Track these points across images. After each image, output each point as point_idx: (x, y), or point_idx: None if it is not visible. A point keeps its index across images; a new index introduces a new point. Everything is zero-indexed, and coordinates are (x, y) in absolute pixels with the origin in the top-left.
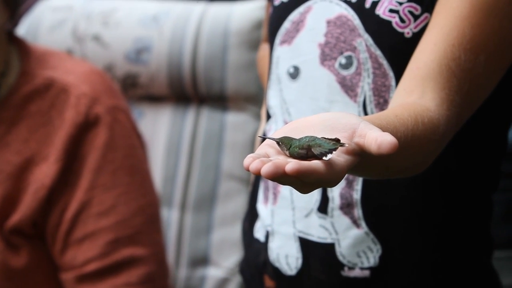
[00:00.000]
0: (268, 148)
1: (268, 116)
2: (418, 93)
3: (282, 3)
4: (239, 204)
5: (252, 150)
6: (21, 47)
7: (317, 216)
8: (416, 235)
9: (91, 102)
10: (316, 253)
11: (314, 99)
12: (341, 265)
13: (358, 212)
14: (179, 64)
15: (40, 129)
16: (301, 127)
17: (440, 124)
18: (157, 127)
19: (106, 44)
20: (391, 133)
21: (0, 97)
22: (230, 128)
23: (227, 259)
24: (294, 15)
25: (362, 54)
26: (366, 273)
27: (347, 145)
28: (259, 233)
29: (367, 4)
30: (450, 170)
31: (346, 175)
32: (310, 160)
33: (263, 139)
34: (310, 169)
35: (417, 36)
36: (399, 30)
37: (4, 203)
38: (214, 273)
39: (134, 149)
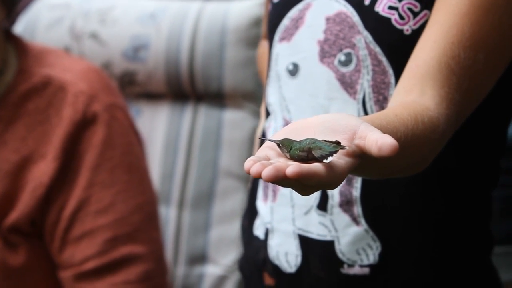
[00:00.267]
0: (268, 150)
1: (267, 113)
2: (417, 92)
3: (281, 0)
4: (237, 201)
5: (250, 148)
6: (18, 45)
7: (316, 213)
8: (416, 232)
9: (88, 100)
10: (315, 250)
11: (314, 96)
12: (340, 263)
13: (357, 209)
14: (176, 62)
15: (37, 127)
16: (301, 129)
17: (440, 123)
18: (155, 124)
19: (103, 41)
20: (391, 133)
21: None
22: (228, 125)
23: (225, 257)
24: (293, 12)
25: (362, 51)
26: (366, 270)
27: (347, 147)
28: (258, 231)
29: (367, 1)
30: (450, 167)
31: None
32: (310, 163)
33: (262, 140)
34: (310, 172)
35: (417, 33)
36: (399, 27)
37: (2, 201)
38: (212, 270)
39: (132, 146)
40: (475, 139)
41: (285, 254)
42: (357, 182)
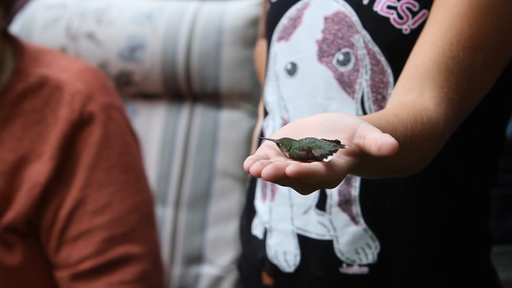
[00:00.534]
0: (268, 149)
1: (266, 113)
2: (416, 92)
3: None
4: (233, 201)
5: (246, 148)
6: (15, 45)
7: (315, 213)
8: (415, 232)
9: (85, 99)
10: (314, 250)
11: (312, 95)
12: (339, 262)
13: (356, 208)
14: (173, 62)
15: (34, 127)
16: (301, 128)
17: (439, 123)
18: (151, 124)
19: (100, 42)
20: (390, 133)
21: None
22: (224, 125)
23: (221, 257)
24: (291, 12)
25: (360, 50)
26: (365, 270)
27: (347, 146)
28: (257, 230)
29: (365, 1)
30: (449, 166)
31: None
32: (310, 162)
33: (261, 140)
34: (310, 171)
35: (415, 32)
36: (397, 26)
37: None
38: (208, 271)
39: (129, 146)
40: (474, 139)
41: (284, 253)
42: (356, 182)
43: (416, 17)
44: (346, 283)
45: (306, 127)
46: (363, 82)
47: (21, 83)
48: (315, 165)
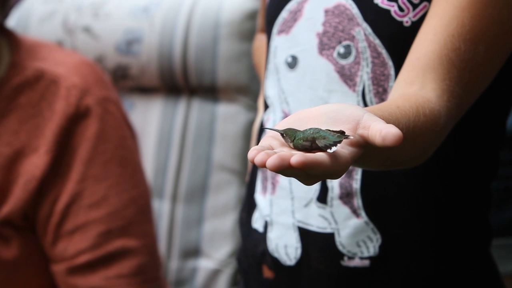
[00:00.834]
0: (272, 140)
1: (266, 106)
2: (418, 84)
3: None
4: (231, 195)
5: (243, 142)
6: (11, 39)
7: (316, 206)
8: (416, 224)
9: (81, 93)
10: (315, 243)
11: (313, 88)
12: (340, 255)
13: (357, 201)
14: (170, 56)
15: (30, 121)
16: (305, 119)
17: (441, 116)
18: (148, 118)
19: (96, 35)
20: (393, 124)
21: None
22: (221, 119)
23: (218, 251)
24: (291, 5)
25: (361, 43)
26: (366, 262)
27: (351, 137)
28: (257, 224)
29: None
30: (450, 158)
31: None
32: (314, 152)
33: (262, 130)
34: (315, 161)
35: (416, 25)
36: (398, 19)
37: None
38: (205, 264)
39: (125, 140)
40: (475, 131)
41: (285, 246)
42: (357, 174)
43: (417, 9)
44: (347, 276)
45: (310, 117)
46: (364, 75)
47: (17, 77)
48: (320, 155)
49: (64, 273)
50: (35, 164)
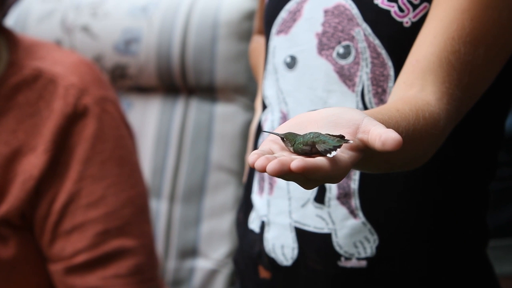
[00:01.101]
0: (272, 144)
1: (264, 106)
2: (418, 87)
3: None
4: (228, 195)
5: (241, 142)
6: (9, 38)
7: (313, 206)
8: (413, 225)
9: (79, 93)
10: (312, 243)
11: (312, 88)
12: (337, 256)
13: (355, 202)
14: (168, 55)
15: (28, 120)
16: (305, 123)
17: (440, 119)
18: (146, 118)
19: (95, 35)
20: (393, 127)
21: None
22: (219, 119)
23: (216, 251)
24: (290, 5)
25: (361, 43)
26: (363, 263)
27: (351, 141)
28: (253, 224)
29: None
30: (448, 160)
31: None
32: (314, 156)
33: (260, 131)
34: (315, 166)
35: (416, 25)
36: (398, 19)
37: None
38: (203, 264)
39: (123, 140)
40: (474, 133)
41: (281, 247)
42: (355, 175)
43: (417, 10)
44: (344, 276)
45: (310, 121)
46: (364, 75)
47: (15, 76)
48: (320, 160)
49: (62, 272)
50: (33, 164)
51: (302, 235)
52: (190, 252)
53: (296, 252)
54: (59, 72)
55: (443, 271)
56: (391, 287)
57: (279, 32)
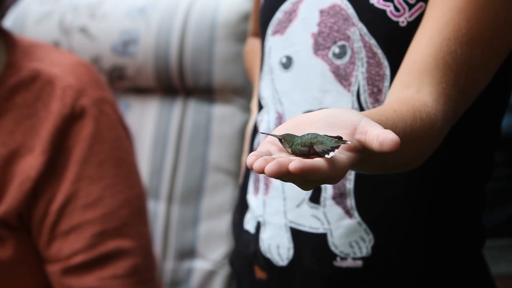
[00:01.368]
0: (270, 145)
1: (260, 107)
2: (415, 88)
3: None
4: (226, 196)
5: (239, 143)
6: (7, 39)
7: (309, 206)
8: (409, 225)
9: (77, 94)
10: (308, 243)
11: (307, 89)
12: (333, 256)
13: (351, 202)
14: (166, 57)
15: (25, 121)
16: (302, 124)
17: (437, 119)
18: (144, 119)
19: (92, 36)
20: (390, 128)
21: None
22: (217, 120)
23: (214, 252)
24: (286, 5)
25: (356, 43)
26: (359, 263)
27: (349, 142)
28: (249, 225)
29: None
30: (444, 160)
31: None
32: (312, 157)
33: (255, 132)
34: (313, 167)
35: (412, 25)
36: (394, 19)
37: None
38: (201, 265)
39: (121, 141)
40: (470, 133)
41: (277, 247)
42: (351, 175)
43: (413, 10)
44: (340, 276)
45: (308, 122)
46: (359, 75)
47: (13, 77)
48: (318, 161)
49: (59, 273)
50: (30, 165)
51: (297, 235)
52: (188, 253)
53: (291, 252)
54: (56, 73)
55: (439, 271)
56: (387, 287)
57: (275, 32)
